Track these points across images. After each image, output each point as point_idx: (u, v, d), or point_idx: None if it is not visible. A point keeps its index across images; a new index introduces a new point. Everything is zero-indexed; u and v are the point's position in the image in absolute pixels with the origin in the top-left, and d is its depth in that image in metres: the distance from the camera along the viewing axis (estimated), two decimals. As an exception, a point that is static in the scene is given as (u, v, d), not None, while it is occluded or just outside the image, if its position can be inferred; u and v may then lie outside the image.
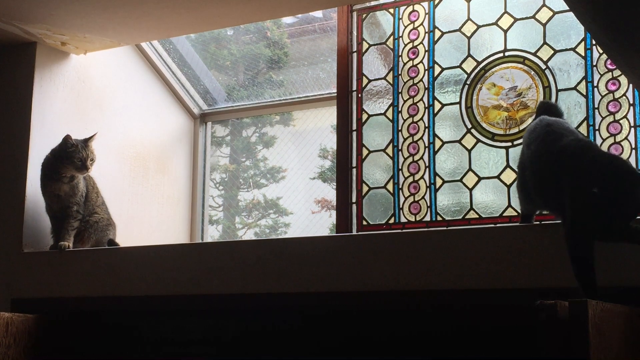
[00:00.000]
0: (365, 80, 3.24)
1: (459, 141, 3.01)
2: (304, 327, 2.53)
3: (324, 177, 3.72)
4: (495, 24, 3.01)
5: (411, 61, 3.15)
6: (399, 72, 3.17)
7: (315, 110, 3.72)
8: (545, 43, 2.91)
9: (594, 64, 2.82)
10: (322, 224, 3.67)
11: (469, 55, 3.04)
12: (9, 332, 2.69)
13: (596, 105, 2.79)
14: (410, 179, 3.07)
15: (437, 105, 3.07)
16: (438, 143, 3.04)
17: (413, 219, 3.03)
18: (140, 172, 3.64)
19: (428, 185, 3.03)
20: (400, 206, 3.07)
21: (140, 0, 2.88)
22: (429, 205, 3.01)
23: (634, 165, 2.62)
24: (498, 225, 2.80)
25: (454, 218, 2.97)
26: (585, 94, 2.82)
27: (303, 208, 3.78)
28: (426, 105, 3.09)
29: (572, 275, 1.88)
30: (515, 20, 2.97)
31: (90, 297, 2.89)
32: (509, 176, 2.89)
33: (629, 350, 1.78)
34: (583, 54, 2.84)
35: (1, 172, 3.19)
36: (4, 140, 3.22)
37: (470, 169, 2.97)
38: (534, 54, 2.92)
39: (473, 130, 2.99)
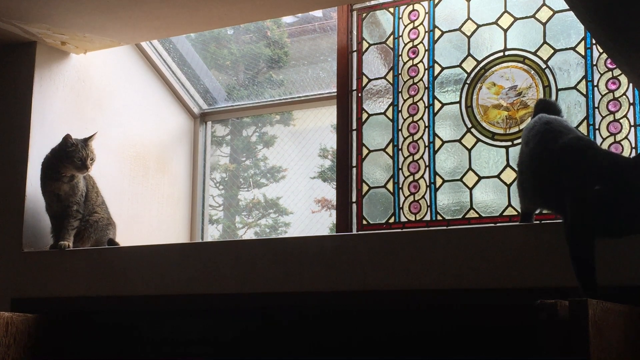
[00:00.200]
0: (365, 80, 3.24)
1: (459, 140, 3.01)
2: (304, 327, 2.53)
3: (324, 177, 3.72)
4: (495, 23, 3.01)
5: (411, 60, 3.14)
6: (399, 72, 3.17)
7: (315, 110, 3.72)
8: (545, 42, 2.91)
9: (594, 63, 2.82)
10: (322, 224, 3.67)
11: (469, 54, 3.04)
12: (9, 331, 2.69)
13: (596, 105, 2.79)
14: (410, 179, 3.07)
15: (437, 105, 3.07)
16: (438, 142, 3.04)
17: (413, 219, 3.03)
18: (140, 171, 3.64)
19: (428, 184, 3.03)
20: (400, 206, 3.07)
21: (140, 0, 2.88)
22: (429, 204, 3.01)
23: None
24: (498, 224, 2.80)
25: (454, 217, 2.97)
26: (585, 93, 2.82)
27: (303, 207, 3.78)
28: (426, 105, 3.09)
29: (573, 274, 1.88)
30: (515, 19, 2.97)
31: (90, 296, 2.89)
32: (509, 175, 2.89)
33: (630, 350, 1.78)
34: (583, 53, 2.84)
35: (1, 172, 3.18)
36: (3, 139, 3.22)
37: (470, 169, 2.97)
38: (534, 54, 2.92)
39: (473, 130, 2.99)
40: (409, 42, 3.16)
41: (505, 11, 2.99)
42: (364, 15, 3.28)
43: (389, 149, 3.13)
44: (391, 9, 3.22)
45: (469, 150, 2.99)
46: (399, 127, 3.13)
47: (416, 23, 3.15)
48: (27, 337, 2.77)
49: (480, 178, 2.95)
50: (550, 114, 2.26)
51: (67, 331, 2.89)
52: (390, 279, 2.39)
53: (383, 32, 3.25)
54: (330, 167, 3.67)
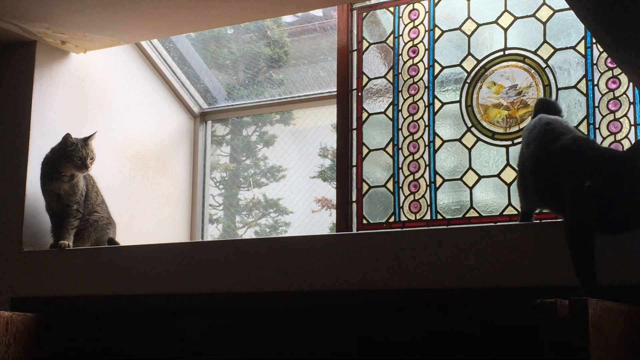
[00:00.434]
0: (365, 79, 3.23)
1: (459, 140, 3.01)
2: (304, 326, 2.53)
3: (324, 176, 3.72)
4: (496, 22, 3.01)
5: (411, 60, 3.14)
6: (399, 71, 3.17)
7: (315, 109, 3.72)
8: (545, 41, 2.91)
9: (594, 62, 2.82)
10: (322, 223, 3.67)
11: (469, 53, 3.04)
12: (9, 331, 2.69)
13: (596, 104, 2.79)
14: (411, 178, 3.06)
15: (437, 104, 3.07)
16: (438, 142, 3.04)
17: (413, 218, 3.03)
18: (140, 171, 3.64)
19: (428, 183, 3.02)
20: (401, 205, 3.07)
21: (140, -1, 2.88)
22: (429, 203, 3.01)
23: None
24: (498, 223, 2.79)
25: (454, 217, 2.97)
26: (585, 92, 2.82)
27: (303, 207, 3.78)
28: (426, 104, 3.08)
29: (572, 273, 1.88)
30: (516, 18, 2.97)
31: (91, 296, 2.89)
32: (509, 175, 2.89)
33: (630, 349, 1.78)
34: (583, 53, 2.84)
35: (1, 171, 3.19)
36: (3, 139, 3.22)
37: (470, 168, 2.97)
38: (534, 53, 2.92)
39: (473, 129, 2.99)
40: (409, 42, 3.16)
41: (506, 10, 2.99)
42: (364, 14, 3.27)
43: (389, 149, 3.13)
44: (391, 8, 3.22)
45: (469, 150, 2.98)
46: (399, 127, 3.13)
47: (416, 22, 3.15)
48: (27, 336, 2.77)
49: (480, 177, 2.95)
50: (550, 113, 2.26)
51: (67, 330, 2.89)
52: (390, 279, 2.39)
53: (383, 31, 3.25)
54: (331, 166, 3.67)
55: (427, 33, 3.13)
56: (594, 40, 2.81)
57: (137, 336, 2.81)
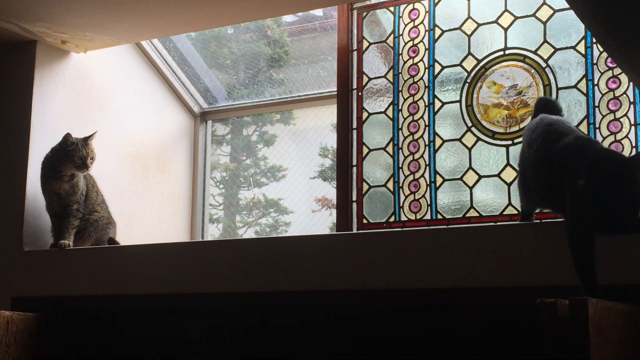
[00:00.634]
0: (365, 79, 3.23)
1: (460, 139, 3.01)
2: (304, 326, 2.53)
3: (325, 176, 3.72)
4: (496, 22, 3.01)
5: (411, 59, 3.14)
6: (399, 71, 3.17)
7: (315, 109, 3.72)
8: (545, 41, 2.91)
9: (595, 62, 2.82)
10: (323, 223, 3.67)
11: (469, 53, 3.04)
12: (9, 330, 2.69)
13: (596, 104, 2.79)
14: (411, 178, 3.07)
15: (438, 104, 3.07)
16: (438, 141, 3.04)
17: (413, 218, 3.03)
18: (141, 170, 3.64)
19: (428, 183, 3.03)
20: (401, 204, 3.07)
21: (140, -1, 2.88)
22: (429, 203, 3.01)
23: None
24: (498, 223, 2.79)
25: (454, 216, 2.97)
26: (585, 92, 2.82)
27: (303, 207, 3.78)
28: (426, 104, 3.08)
29: (573, 273, 1.88)
30: (516, 18, 2.97)
31: (91, 295, 2.89)
32: (509, 174, 2.89)
33: (630, 349, 1.78)
34: (583, 52, 2.84)
35: (1, 171, 3.19)
36: (4, 138, 3.22)
37: (470, 168, 2.97)
38: (535, 52, 2.92)
39: (473, 129, 2.99)
40: (409, 41, 3.16)
41: (506, 10, 2.99)
42: (365, 14, 3.27)
43: (389, 148, 3.13)
44: (391, 8, 3.22)
45: (469, 149, 2.98)
46: (399, 126, 3.13)
47: (416, 22, 3.15)
48: (27, 336, 2.77)
49: (480, 177, 2.95)
50: (551, 112, 2.27)
51: (67, 330, 2.89)
52: (390, 278, 2.39)
53: (383, 31, 3.25)
54: (331, 166, 3.67)
55: (427, 33, 3.13)
56: (594, 40, 2.81)
57: (137, 336, 2.81)
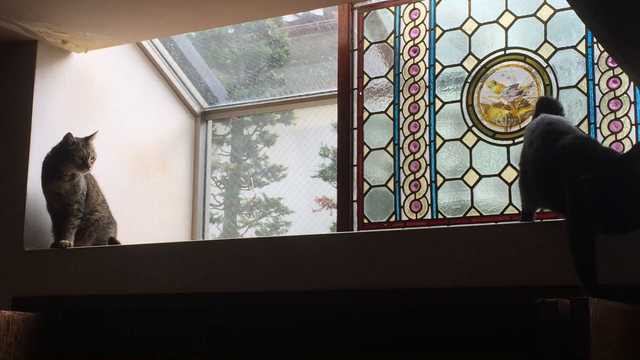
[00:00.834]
0: (366, 79, 3.23)
1: (460, 139, 3.01)
2: (304, 326, 2.53)
3: (325, 176, 3.72)
4: (496, 22, 3.01)
5: (412, 59, 3.14)
6: (400, 70, 3.17)
7: (316, 109, 3.72)
8: (546, 41, 2.91)
9: (595, 61, 2.81)
10: (323, 223, 3.67)
11: (470, 53, 3.04)
12: (10, 330, 2.70)
13: (597, 103, 2.79)
14: (411, 177, 3.06)
15: (438, 103, 3.07)
16: (439, 141, 3.04)
17: (414, 217, 3.03)
18: (141, 170, 3.64)
19: (429, 183, 3.02)
20: (401, 204, 3.07)
21: (141, -1, 2.88)
22: (430, 203, 3.01)
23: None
24: (499, 223, 2.79)
25: (455, 216, 2.97)
26: (586, 92, 2.82)
27: (304, 206, 3.78)
28: (427, 104, 3.08)
29: (573, 273, 1.88)
30: (516, 18, 2.97)
31: (91, 295, 2.89)
32: (510, 174, 2.88)
33: (631, 348, 1.77)
34: (584, 52, 2.84)
35: (2, 171, 3.19)
36: (4, 138, 3.22)
37: (471, 167, 2.97)
38: (535, 52, 2.92)
39: (474, 129, 2.99)
40: (409, 41, 3.16)
41: (506, 10, 2.99)
42: (365, 13, 3.27)
43: (390, 148, 3.13)
44: (392, 8, 3.22)
45: (470, 149, 2.98)
46: (400, 126, 3.13)
47: (417, 22, 3.15)
48: (28, 335, 2.77)
49: (481, 177, 2.95)
50: (552, 111, 2.27)
51: (68, 330, 2.90)
52: (390, 278, 2.39)
53: (384, 30, 3.25)
54: (331, 166, 3.67)
55: (428, 32, 3.13)
56: (594, 40, 2.80)
57: (137, 336, 2.81)
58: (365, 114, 3.21)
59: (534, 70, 2.91)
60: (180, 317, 2.75)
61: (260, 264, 2.61)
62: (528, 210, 2.30)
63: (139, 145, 3.64)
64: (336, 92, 3.32)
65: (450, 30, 3.09)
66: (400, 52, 3.17)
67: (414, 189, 3.05)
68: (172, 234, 3.74)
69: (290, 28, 3.88)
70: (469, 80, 3.02)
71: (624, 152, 2.70)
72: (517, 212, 2.81)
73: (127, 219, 3.46)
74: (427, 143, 3.06)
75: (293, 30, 3.88)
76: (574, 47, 2.86)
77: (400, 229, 2.97)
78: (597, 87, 2.80)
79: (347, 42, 3.28)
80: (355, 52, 3.27)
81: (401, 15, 3.19)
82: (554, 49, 2.89)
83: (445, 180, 3.00)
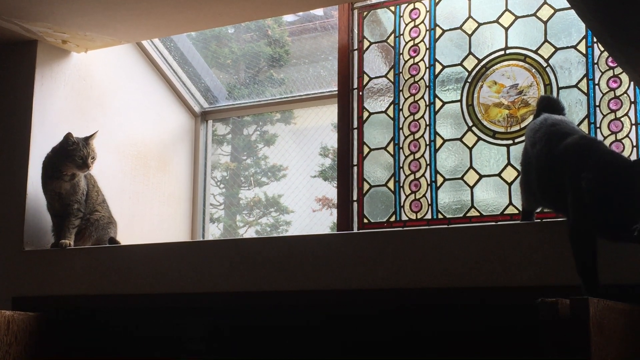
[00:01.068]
0: (366, 78, 3.23)
1: (460, 139, 3.01)
2: (304, 325, 2.53)
3: (325, 175, 3.72)
4: (496, 21, 3.00)
5: (412, 59, 3.14)
6: (400, 70, 3.17)
7: (316, 109, 3.72)
8: (546, 41, 2.91)
9: (595, 61, 2.81)
10: (323, 222, 3.67)
11: (470, 53, 3.04)
12: (10, 330, 2.70)
13: (597, 103, 2.79)
14: (412, 177, 3.06)
15: (438, 103, 3.07)
16: (439, 141, 3.04)
17: (414, 217, 3.03)
18: (141, 170, 3.64)
19: (429, 183, 3.02)
20: (402, 204, 3.07)
21: (141, -2, 2.88)
22: (430, 203, 3.01)
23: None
24: (499, 223, 2.79)
25: (455, 216, 2.97)
26: (586, 91, 2.82)
27: (304, 206, 3.78)
28: (427, 103, 3.08)
29: (573, 273, 1.88)
30: (516, 18, 2.97)
31: (92, 295, 2.89)
32: (510, 174, 2.88)
33: (631, 348, 1.77)
34: (584, 52, 2.84)
35: (2, 170, 3.19)
36: (4, 138, 3.22)
37: (471, 167, 2.97)
38: (535, 52, 2.92)
39: (474, 128, 2.99)
40: (410, 41, 3.16)
41: (506, 9, 2.99)
42: (365, 13, 3.27)
43: (390, 148, 3.13)
44: (392, 8, 3.22)
45: (470, 149, 2.98)
46: (400, 126, 3.12)
47: (417, 21, 3.15)
48: (28, 335, 2.77)
49: (481, 176, 2.95)
50: (553, 111, 2.27)
51: (68, 330, 2.90)
52: (390, 278, 2.39)
53: (384, 30, 3.25)
54: (331, 165, 3.67)
55: (428, 32, 3.12)
56: (594, 40, 2.80)
57: (137, 335, 2.81)
58: (365, 114, 3.21)
59: (534, 70, 2.91)
60: (180, 317, 2.75)
61: (260, 264, 2.61)
62: (529, 209, 2.30)
63: (139, 145, 3.64)
64: (336, 92, 3.32)
65: (451, 30, 3.09)
66: (401, 51, 3.17)
67: (414, 188, 3.05)
68: (172, 234, 3.74)
69: (290, 28, 3.88)
70: (469, 80, 3.02)
71: (624, 152, 2.70)
72: (517, 211, 2.81)
73: (127, 219, 3.46)
74: (427, 143, 3.06)
75: (293, 30, 3.88)
76: (574, 47, 2.86)
77: (400, 228, 2.97)
78: (597, 86, 2.80)
79: (347, 41, 3.28)
80: (356, 52, 3.27)
81: (401, 15, 3.19)
82: (554, 49, 2.89)
83: (445, 180, 3.00)
